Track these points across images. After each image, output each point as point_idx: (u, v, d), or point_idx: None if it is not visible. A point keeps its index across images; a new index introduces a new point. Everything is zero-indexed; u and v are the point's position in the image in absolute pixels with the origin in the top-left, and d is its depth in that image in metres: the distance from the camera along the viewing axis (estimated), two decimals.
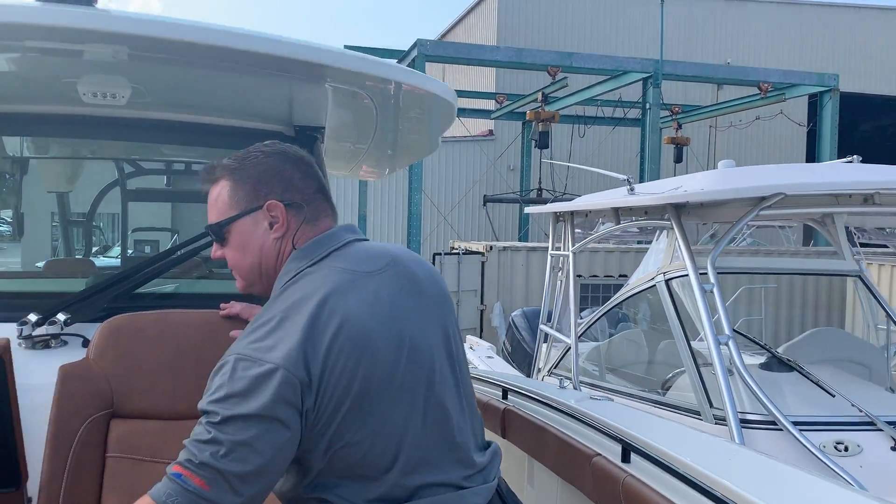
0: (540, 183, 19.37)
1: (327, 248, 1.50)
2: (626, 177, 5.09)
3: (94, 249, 4.98)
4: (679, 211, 4.36)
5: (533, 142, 17.76)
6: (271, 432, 1.29)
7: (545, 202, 15.27)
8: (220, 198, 1.54)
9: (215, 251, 1.57)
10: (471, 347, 8.59)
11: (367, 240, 1.60)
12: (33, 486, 1.68)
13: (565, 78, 15.71)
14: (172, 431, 1.81)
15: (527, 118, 18.46)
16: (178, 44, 1.85)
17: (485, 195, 20.44)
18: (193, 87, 2.35)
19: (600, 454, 1.96)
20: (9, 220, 5.85)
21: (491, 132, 22.62)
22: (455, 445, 1.48)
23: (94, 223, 4.85)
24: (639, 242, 11.15)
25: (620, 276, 11.77)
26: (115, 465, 1.73)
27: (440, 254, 13.09)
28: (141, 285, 2.16)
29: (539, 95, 16.80)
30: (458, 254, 13.23)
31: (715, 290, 3.94)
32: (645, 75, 15.93)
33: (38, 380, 1.85)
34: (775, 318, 12.77)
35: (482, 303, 13.24)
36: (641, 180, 13.89)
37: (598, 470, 1.92)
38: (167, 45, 1.86)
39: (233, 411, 1.29)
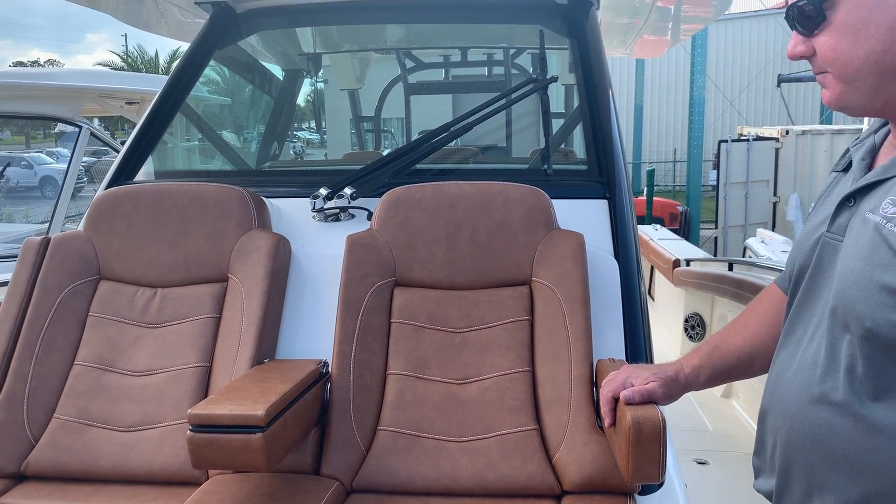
0: None
1: None
2: None
3: (385, 145, 5.34)
4: None
5: None
6: None
7: None
8: None
9: (794, 46, 1.08)
10: (762, 241, 7.90)
11: None
12: (328, 346, 1.81)
13: None
14: (450, 301, 1.84)
15: None
16: None
17: (779, 74, 18.26)
18: None
19: None
20: (317, 130, 6.61)
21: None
22: None
23: (381, 120, 5.16)
24: None
25: None
26: (398, 330, 1.81)
27: (726, 141, 12.03)
28: (418, 161, 2.20)
29: None
30: (748, 140, 12.07)
31: None
32: None
33: (331, 250, 1.98)
34: None
35: (775, 195, 12.06)
36: None
37: None
38: None
39: None
